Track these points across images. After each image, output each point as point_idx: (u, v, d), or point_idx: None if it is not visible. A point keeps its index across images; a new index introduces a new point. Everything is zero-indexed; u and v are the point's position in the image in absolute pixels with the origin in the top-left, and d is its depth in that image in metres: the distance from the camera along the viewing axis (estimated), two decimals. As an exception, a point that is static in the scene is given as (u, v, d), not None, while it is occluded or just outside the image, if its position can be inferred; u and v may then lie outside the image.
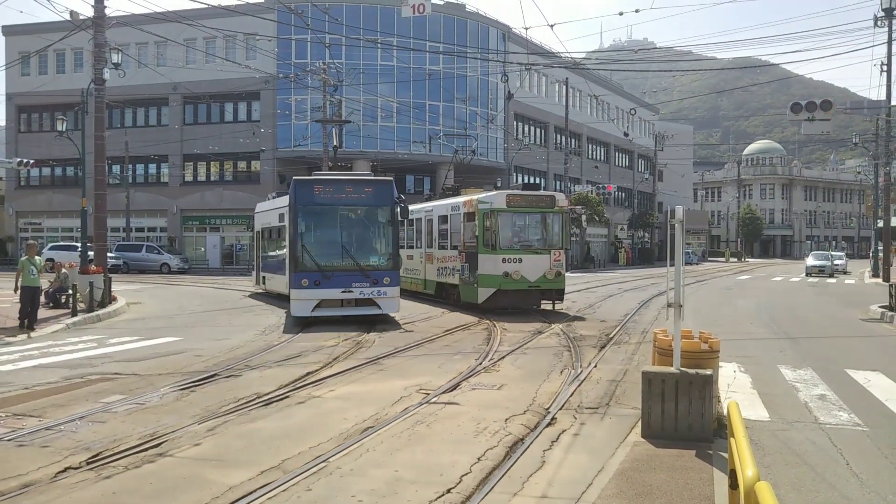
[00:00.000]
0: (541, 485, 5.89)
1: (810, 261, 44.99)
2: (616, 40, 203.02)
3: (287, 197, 18.33)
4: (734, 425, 4.00)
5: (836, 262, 46.05)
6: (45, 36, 37.78)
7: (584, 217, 20.59)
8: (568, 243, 19.76)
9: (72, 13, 20.92)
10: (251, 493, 5.57)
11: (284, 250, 19.29)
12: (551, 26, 13.25)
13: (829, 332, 16.52)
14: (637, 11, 18.94)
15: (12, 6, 28.82)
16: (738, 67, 65.60)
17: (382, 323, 16.94)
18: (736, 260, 76.43)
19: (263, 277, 24.85)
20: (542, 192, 20.45)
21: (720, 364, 11.20)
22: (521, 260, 18.55)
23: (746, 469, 3.14)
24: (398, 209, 17.23)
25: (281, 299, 22.09)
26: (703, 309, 21.34)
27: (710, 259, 78.22)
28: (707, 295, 27.28)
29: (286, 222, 18.44)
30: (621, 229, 67.30)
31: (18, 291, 15.26)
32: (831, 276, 42.40)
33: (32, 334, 14.89)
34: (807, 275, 42.43)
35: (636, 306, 21.36)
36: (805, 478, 6.18)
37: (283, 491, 5.64)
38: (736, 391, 9.49)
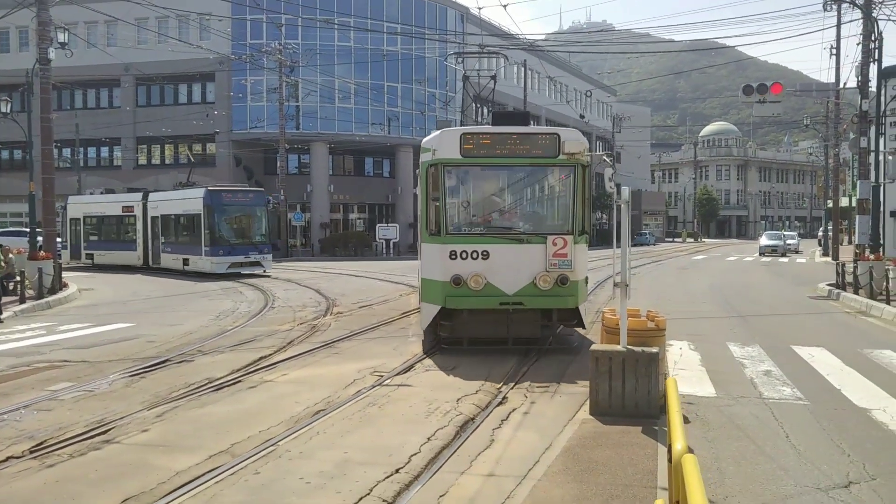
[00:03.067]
0: (488, 463, 5.97)
1: (763, 241, 45.95)
2: (575, 22, 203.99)
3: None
4: (670, 401, 4.09)
5: (789, 241, 47.13)
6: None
7: (613, 175, 8.89)
8: (585, 222, 10.76)
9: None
10: (198, 477, 5.54)
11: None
12: (504, 6, 13.09)
13: (778, 310, 16.93)
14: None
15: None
16: (695, 50, 66.49)
17: (337, 306, 16.92)
18: (692, 240, 77.73)
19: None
20: (529, 129, 11.16)
21: (670, 342, 11.48)
22: (486, 254, 10.23)
23: (675, 442, 3.22)
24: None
25: (232, 281, 22.03)
26: (657, 289, 21.69)
27: (667, 240, 79.41)
28: (662, 275, 27.72)
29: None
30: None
31: None
32: (784, 255, 43.37)
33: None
34: (760, 254, 43.34)
35: (592, 287, 21.60)
36: (746, 451, 6.35)
37: (231, 475, 5.62)
38: (685, 368, 9.70)
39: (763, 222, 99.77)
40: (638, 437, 6.52)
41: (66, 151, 47.04)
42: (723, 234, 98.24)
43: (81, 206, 33.97)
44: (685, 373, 9.40)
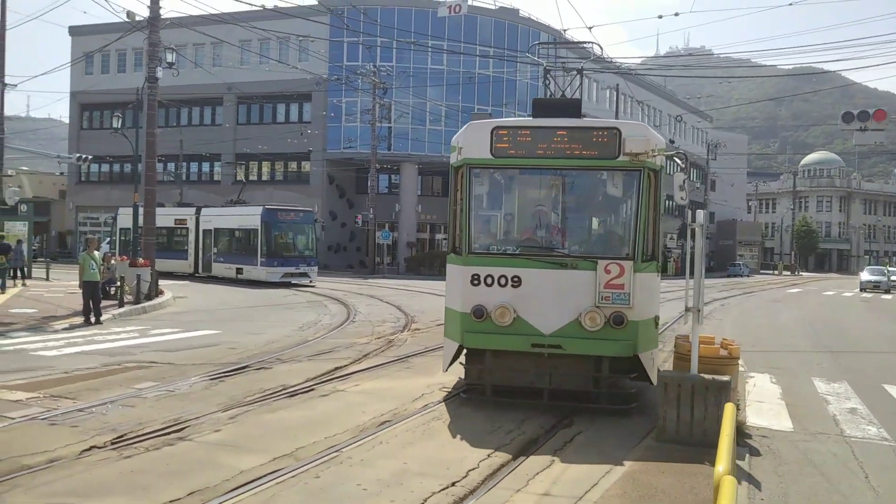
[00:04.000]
0: (545, 483, 5.93)
1: (865, 275, 43.69)
2: (673, 47, 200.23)
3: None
4: (724, 426, 4.00)
5: (894, 277, 44.62)
6: (107, 36, 39.12)
7: (685, 183, 8.05)
8: (653, 244, 8.33)
9: (128, 13, 21.63)
10: (260, 477, 5.75)
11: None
12: (589, 28, 12.96)
13: (872, 347, 16.07)
14: (676, 15, 18.64)
15: (76, 7, 29.96)
16: (798, 74, 64.22)
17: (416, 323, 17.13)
18: (789, 273, 74.61)
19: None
20: (581, 122, 8.61)
21: (751, 374, 11.12)
22: (517, 281, 8.10)
23: (718, 464, 3.16)
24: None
25: (318, 295, 22.66)
26: (744, 320, 20.97)
27: (762, 272, 76.54)
28: (752, 307, 26.75)
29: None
30: (671, 238, 66.36)
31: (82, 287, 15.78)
32: (887, 291, 41.09)
33: (98, 326, 15.38)
34: (861, 290, 41.22)
35: (676, 315, 21.07)
36: (818, 488, 6.08)
37: (292, 477, 5.80)
38: (762, 401, 9.35)
39: (867, 257, 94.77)
40: (703, 466, 6.34)
41: (171, 166, 49.51)
42: (822, 267, 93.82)
43: (131, 217, 35.81)
44: (762, 405, 9.06)
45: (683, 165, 8.29)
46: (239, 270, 31.53)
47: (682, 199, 7.79)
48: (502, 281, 8.10)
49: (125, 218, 36.42)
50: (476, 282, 8.16)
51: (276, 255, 30.47)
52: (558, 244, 8.49)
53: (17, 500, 5.18)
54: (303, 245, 31.91)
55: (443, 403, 8.62)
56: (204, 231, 33.73)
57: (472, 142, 8.40)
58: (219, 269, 32.81)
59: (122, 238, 36.29)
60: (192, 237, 34.12)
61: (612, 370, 8.09)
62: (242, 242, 32.01)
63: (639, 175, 8.07)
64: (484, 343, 8.16)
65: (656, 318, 8.49)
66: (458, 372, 10.67)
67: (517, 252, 8.34)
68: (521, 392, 8.34)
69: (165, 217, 34.71)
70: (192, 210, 34.67)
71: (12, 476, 5.64)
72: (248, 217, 31.63)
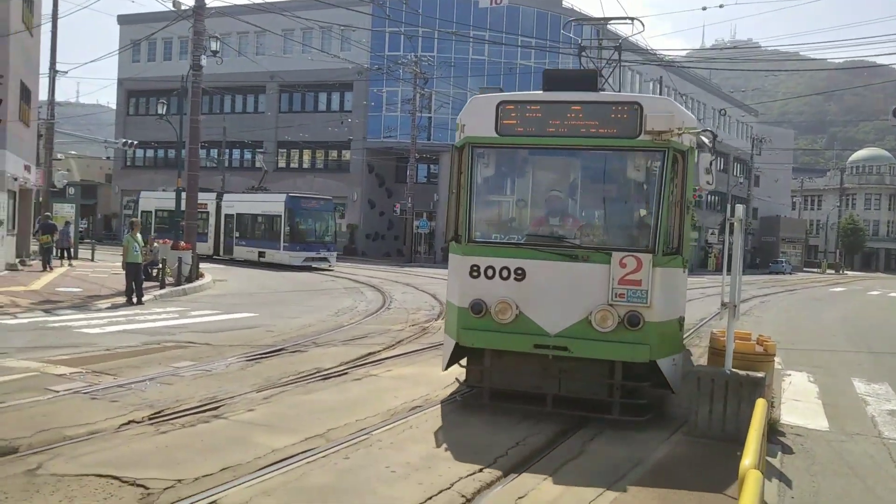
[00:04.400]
0: (573, 472, 5.92)
1: (913, 276, 42.58)
2: (719, 39, 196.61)
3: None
4: (753, 420, 3.97)
5: (943, 278, 43.36)
6: (154, 25, 39.77)
7: (711, 165, 7.46)
8: (679, 236, 7.37)
9: (174, 2, 22.00)
10: (292, 456, 5.86)
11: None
12: (632, 20, 12.74)
13: (917, 348, 15.68)
14: (721, 7, 18.31)
15: (125, -5, 30.45)
16: (849, 68, 62.66)
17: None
18: (833, 272, 73.02)
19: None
20: (598, 96, 7.67)
21: (788, 372, 10.95)
22: (521, 273, 7.27)
23: (745, 458, 3.14)
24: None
25: (355, 282, 22.88)
26: (785, 318, 20.61)
27: (805, 269, 75.06)
28: (793, 304, 26.28)
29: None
30: (712, 234, 65.43)
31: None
32: (935, 293, 40.00)
33: (139, 306, 15.73)
34: (908, 290, 40.20)
35: (715, 311, 20.81)
36: (852, 489, 5.99)
37: (323, 457, 5.90)
38: (799, 399, 9.21)
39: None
40: (734, 462, 6.27)
41: (214, 152, 50.26)
42: (868, 267, 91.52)
43: (154, 200, 39.00)
44: (798, 404, 8.93)
45: (711, 145, 7.37)
46: (262, 254, 33.00)
47: (707, 183, 7.11)
48: (504, 273, 7.23)
49: (146, 202, 39.04)
50: (475, 273, 7.33)
51: (299, 240, 32.07)
52: (568, 234, 7.58)
53: (58, 468, 5.36)
54: (323, 231, 33.44)
55: (476, 390, 8.65)
56: (226, 216, 35.13)
57: (475, 118, 7.62)
58: (240, 251, 34.36)
59: (144, 220, 38.23)
60: (212, 221, 35.66)
61: (627, 377, 7.22)
62: (265, 227, 33.49)
63: (662, 156, 7.11)
64: (482, 342, 7.36)
65: (680, 320, 7.75)
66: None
67: (522, 241, 7.53)
68: (526, 397, 7.49)
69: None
70: (213, 196, 35.98)
71: (55, 446, 5.84)
72: (272, 203, 33.19)
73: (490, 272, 7.29)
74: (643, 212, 7.61)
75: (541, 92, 7.71)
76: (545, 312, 7.15)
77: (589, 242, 7.40)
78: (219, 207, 35.51)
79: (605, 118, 7.24)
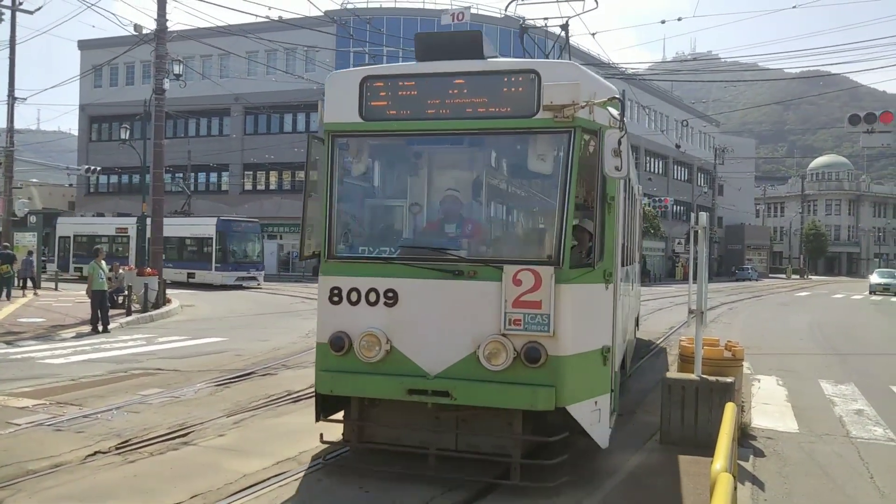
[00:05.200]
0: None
1: (874, 278, 43.48)
2: (679, 52, 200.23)
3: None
4: (723, 425, 3.99)
5: (904, 280, 44.33)
6: (115, 49, 39.38)
7: (622, 143, 5.27)
8: (601, 243, 5.80)
9: (136, 26, 21.85)
10: (264, 480, 5.77)
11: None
12: (593, 35, 12.95)
13: (881, 349, 15.98)
14: (679, 20, 18.69)
15: (85, 21, 30.22)
16: (805, 77, 64.16)
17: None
18: (798, 277, 74.33)
19: None
20: (485, 65, 5.90)
21: (757, 377, 11.09)
22: (392, 297, 5.76)
23: (716, 462, 3.16)
24: None
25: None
26: (752, 323, 20.89)
27: (771, 276, 76.26)
28: (760, 310, 26.65)
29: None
30: (678, 244, 66.23)
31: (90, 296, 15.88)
32: (897, 294, 40.87)
33: (105, 334, 15.44)
34: (870, 293, 41.00)
35: (684, 319, 21.03)
36: (822, 489, 6.06)
37: (295, 480, 5.81)
38: (768, 403, 9.32)
39: (877, 260, 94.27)
40: (707, 468, 6.30)
41: (179, 176, 49.79)
42: (831, 271, 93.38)
43: (72, 225, 39.65)
44: (768, 407, 9.03)
45: (620, 119, 5.51)
46: (191, 275, 34.06)
47: (616, 168, 5.20)
48: (371, 297, 5.72)
49: (66, 227, 39.37)
50: (336, 299, 5.80)
51: (230, 261, 33.87)
52: (452, 244, 5.94)
53: (21, 504, 5.22)
54: (252, 252, 35.37)
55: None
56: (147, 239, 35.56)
57: (335, 100, 6.06)
58: (168, 273, 34.64)
59: (63, 245, 38.89)
60: (132, 244, 35.91)
61: (528, 429, 5.63)
62: (195, 249, 34.81)
63: (568, 139, 5.54)
64: (343, 387, 5.76)
65: (604, 351, 5.78)
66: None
67: (393, 256, 5.90)
68: (403, 454, 5.92)
69: (104, 226, 38.01)
70: (133, 220, 36.39)
71: (17, 481, 5.68)
72: (201, 227, 34.74)
73: (354, 296, 5.77)
74: (544, 213, 6.18)
75: (413, 64, 6.16)
76: (423, 347, 5.62)
77: (479, 254, 5.86)
78: (140, 231, 35.79)
79: (495, 93, 5.72)
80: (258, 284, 34.37)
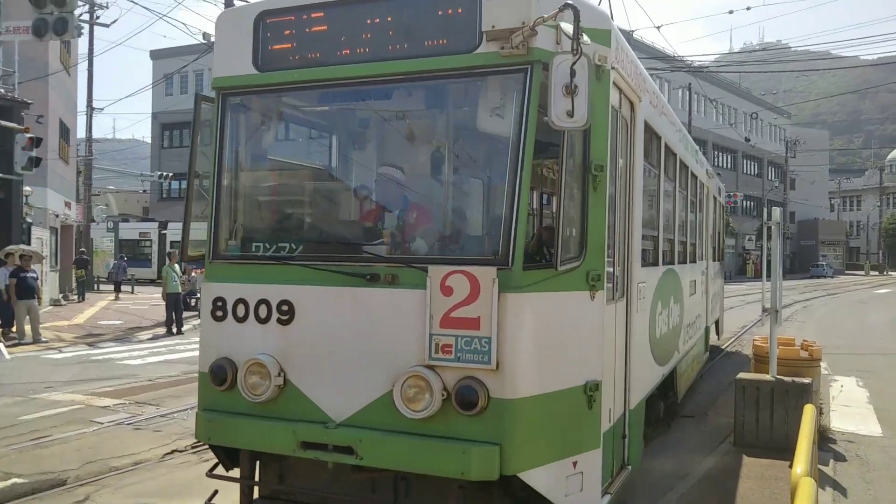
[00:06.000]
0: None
1: (961, 274, 41.46)
2: (747, 42, 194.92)
3: None
4: (803, 427, 3.86)
5: None
6: (185, 58, 40.62)
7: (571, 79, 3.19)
8: (581, 232, 3.93)
9: (204, 34, 22.42)
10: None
11: None
12: (657, 28, 12.67)
13: (970, 348, 15.22)
14: (748, 9, 18.04)
15: (157, 32, 31.29)
16: (883, 64, 61.60)
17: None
18: (877, 273, 71.45)
19: None
20: None
21: (835, 377, 10.71)
22: (287, 312, 4.09)
23: (797, 466, 3.06)
24: None
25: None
26: (828, 322, 20.19)
27: (847, 272, 73.52)
28: (836, 308, 25.73)
29: None
30: (749, 240, 64.50)
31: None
32: None
33: (179, 336, 15.96)
34: (957, 289, 39.14)
35: (756, 318, 20.45)
36: (910, 495, 5.80)
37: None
38: (848, 405, 8.98)
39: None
40: (784, 471, 6.13)
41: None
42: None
43: (129, 230, 41.77)
44: (848, 409, 8.70)
45: (573, 38, 3.40)
46: None
47: (567, 114, 3.41)
48: (262, 312, 4.17)
49: (125, 231, 40.85)
50: (220, 313, 4.30)
51: None
52: (367, 237, 4.43)
53: (105, 499, 5.43)
54: None
55: None
56: (171, 242, 36.60)
57: (226, 48, 4.55)
58: None
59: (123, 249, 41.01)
60: (155, 248, 37.82)
61: (479, 498, 3.79)
62: None
63: (523, 80, 3.77)
64: (221, 434, 4.27)
65: (588, 388, 4.00)
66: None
67: (291, 255, 4.26)
68: None
69: (131, 231, 39.88)
70: (156, 225, 38.97)
71: (101, 477, 5.92)
72: None
73: (241, 310, 4.23)
74: (489, 190, 4.44)
75: None
76: (326, 381, 4.01)
77: (399, 252, 4.20)
78: (162, 236, 37.79)
79: (426, 22, 4.02)
80: None
